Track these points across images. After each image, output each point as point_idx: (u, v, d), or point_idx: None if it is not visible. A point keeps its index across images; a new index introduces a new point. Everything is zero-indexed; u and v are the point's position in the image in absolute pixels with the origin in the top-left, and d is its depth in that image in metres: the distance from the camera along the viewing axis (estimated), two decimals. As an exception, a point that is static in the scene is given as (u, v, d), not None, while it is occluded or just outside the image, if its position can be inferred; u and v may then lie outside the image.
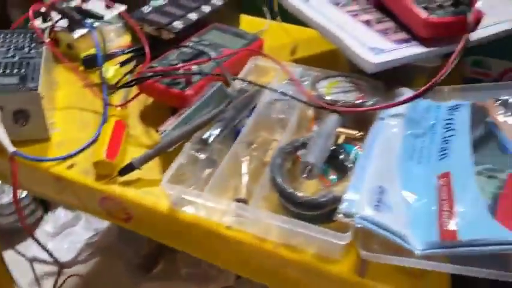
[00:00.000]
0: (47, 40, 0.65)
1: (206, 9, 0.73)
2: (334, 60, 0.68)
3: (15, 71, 0.58)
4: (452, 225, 0.39)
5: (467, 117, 0.51)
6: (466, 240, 0.38)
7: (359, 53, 0.56)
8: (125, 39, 0.75)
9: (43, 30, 0.67)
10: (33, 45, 0.63)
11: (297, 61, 0.74)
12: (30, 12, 0.68)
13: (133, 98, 0.59)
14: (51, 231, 1.27)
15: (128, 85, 0.59)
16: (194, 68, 0.59)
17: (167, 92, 0.57)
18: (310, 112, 0.58)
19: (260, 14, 0.86)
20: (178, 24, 0.68)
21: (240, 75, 0.62)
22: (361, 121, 0.54)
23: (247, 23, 0.83)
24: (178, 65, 0.58)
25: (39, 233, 1.26)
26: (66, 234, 1.27)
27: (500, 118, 0.49)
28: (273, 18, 0.84)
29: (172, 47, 0.65)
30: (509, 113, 0.49)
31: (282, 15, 0.84)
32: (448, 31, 0.56)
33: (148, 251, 1.12)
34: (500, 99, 0.51)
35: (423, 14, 0.56)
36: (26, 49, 0.62)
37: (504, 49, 0.75)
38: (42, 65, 0.59)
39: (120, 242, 1.17)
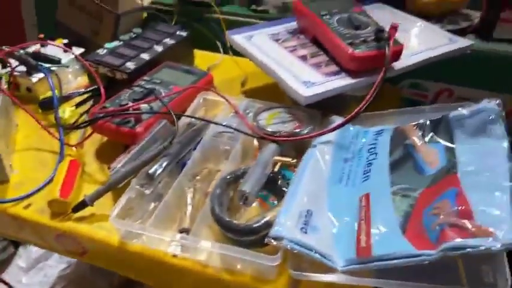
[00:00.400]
0: (5, 86, 0.69)
1: (158, 48, 0.78)
2: (279, 91, 0.73)
3: (-27, 118, 0.61)
4: (367, 242, 0.44)
5: (388, 140, 0.56)
6: (377, 255, 0.42)
7: (292, 87, 0.61)
8: (83, 80, 0.80)
9: (0, 77, 0.71)
10: (-9, 91, 0.67)
11: (247, 93, 0.80)
12: (-11, 60, 0.72)
13: (87, 138, 0.63)
14: (24, 266, 1.28)
15: (80, 126, 0.63)
16: (144, 106, 0.63)
17: (118, 131, 0.61)
18: (255, 142, 0.63)
19: (214, 48, 0.92)
20: (130, 65, 0.73)
21: (189, 110, 0.66)
22: (299, 148, 0.60)
23: (202, 57, 0.89)
24: (128, 105, 0.62)
25: (12, 268, 1.27)
26: (39, 269, 1.27)
27: (417, 141, 0.55)
28: (226, 52, 0.90)
29: (125, 87, 0.69)
30: (426, 136, 0.55)
31: (233, 49, 0.90)
32: (371, 64, 0.63)
33: (120, 281, 1.14)
34: (418, 123, 0.57)
35: (348, 49, 0.62)
36: (-16, 96, 0.66)
37: (438, 72, 0.82)
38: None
39: (92, 273, 1.19)
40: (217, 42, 0.92)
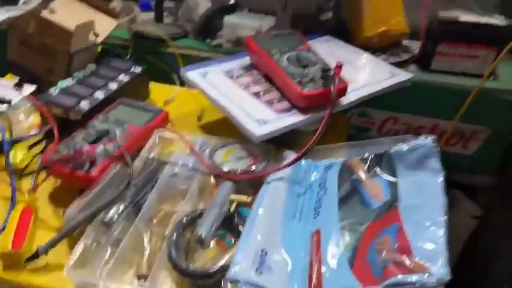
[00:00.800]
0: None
1: (113, 86, 0.78)
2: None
3: None
4: (318, 280, 0.46)
5: (336, 175, 0.59)
6: (327, 292, 0.45)
7: (245, 126, 0.64)
8: (35, 119, 0.78)
9: None
10: None
11: (203, 127, 0.82)
12: None
13: (40, 184, 0.62)
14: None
15: (32, 173, 0.62)
16: (99, 148, 0.63)
17: (73, 175, 0.61)
18: (212, 179, 0.64)
19: (170, 81, 0.93)
20: (84, 105, 0.72)
21: (145, 149, 0.67)
22: (255, 184, 0.62)
23: (158, 90, 0.90)
24: (82, 149, 0.62)
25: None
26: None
27: (363, 175, 0.58)
28: (182, 84, 0.91)
29: (79, 127, 0.69)
30: (371, 170, 0.59)
31: (189, 82, 0.92)
32: (319, 101, 0.66)
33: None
34: (364, 157, 0.61)
35: (298, 88, 0.65)
36: None
37: (383, 101, 0.87)
38: None
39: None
40: (173, 75, 0.93)
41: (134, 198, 0.58)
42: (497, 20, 0.80)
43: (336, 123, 0.74)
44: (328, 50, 0.87)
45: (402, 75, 0.77)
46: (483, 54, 0.81)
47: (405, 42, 0.94)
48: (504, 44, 0.75)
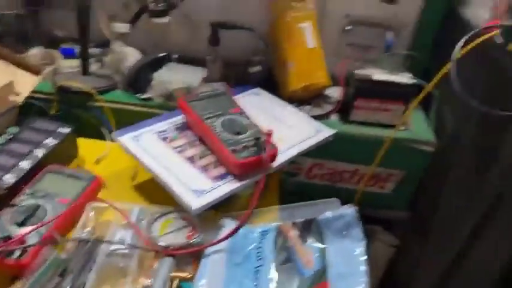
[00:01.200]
0: None
1: (39, 153, 0.75)
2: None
3: None
4: None
5: (272, 243, 0.63)
6: None
7: (182, 198, 0.65)
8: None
9: None
10: None
11: (138, 187, 0.81)
12: None
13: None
14: None
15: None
16: (29, 232, 0.61)
17: (2, 263, 0.58)
18: (151, 253, 0.65)
19: (99, 135, 0.91)
20: (9, 178, 0.69)
21: (78, 226, 0.66)
22: (196, 255, 0.63)
23: (87, 147, 0.87)
24: (12, 235, 0.60)
25: None
26: None
27: (296, 241, 0.63)
28: (113, 139, 0.90)
29: (5, 205, 0.66)
30: (302, 236, 0.63)
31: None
32: (253, 168, 0.70)
33: None
34: (295, 222, 0.65)
35: (232, 157, 0.69)
36: None
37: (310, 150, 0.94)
38: None
39: None
40: (102, 129, 0.91)
41: (73, 285, 0.57)
42: (405, 78, 0.90)
43: (267, 181, 0.79)
44: (257, 103, 0.92)
45: (325, 132, 0.84)
46: (394, 108, 0.91)
47: (328, 91, 1.02)
48: (411, 99, 0.86)
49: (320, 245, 0.61)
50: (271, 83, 0.99)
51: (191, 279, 0.60)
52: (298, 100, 0.96)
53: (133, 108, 0.93)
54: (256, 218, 0.69)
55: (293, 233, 0.64)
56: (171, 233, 0.66)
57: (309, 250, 0.61)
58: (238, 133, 0.73)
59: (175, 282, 0.59)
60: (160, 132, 0.79)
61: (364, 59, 0.98)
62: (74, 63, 1.03)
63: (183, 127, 0.81)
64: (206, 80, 0.97)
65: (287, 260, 0.61)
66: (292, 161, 0.98)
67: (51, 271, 0.57)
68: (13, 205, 0.65)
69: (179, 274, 0.60)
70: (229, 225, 0.66)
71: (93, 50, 1.05)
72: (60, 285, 0.56)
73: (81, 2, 0.90)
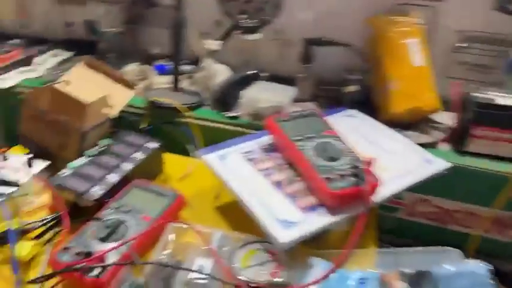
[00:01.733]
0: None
1: (127, 166, 0.74)
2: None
3: None
4: None
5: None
6: None
7: (268, 229, 0.58)
8: (46, 199, 0.74)
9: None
10: None
11: (221, 208, 0.77)
12: None
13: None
14: None
15: (38, 280, 0.57)
16: (110, 250, 0.59)
17: (82, 280, 0.56)
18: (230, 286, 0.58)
19: (185, 152, 0.89)
20: (97, 190, 0.68)
21: (158, 247, 0.62)
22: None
23: (172, 163, 0.86)
24: (92, 251, 0.58)
25: None
26: None
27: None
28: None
29: (91, 219, 0.65)
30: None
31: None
32: (349, 200, 0.61)
33: None
34: (403, 272, 0.55)
35: (326, 186, 0.60)
36: None
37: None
38: None
39: None
40: (188, 147, 0.89)
41: (147, 314, 0.53)
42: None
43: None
44: (353, 126, 0.83)
45: (438, 164, 0.71)
46: (520, 138, 0.76)
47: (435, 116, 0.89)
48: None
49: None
50: (369, 104, 0.90)
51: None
52: (399, 125, 0.85)
53: (220, 126, 0.90)
54: (351, 261, 0.59)
55: (400, 286, 0.54)
56: (254, 267, 0.59)
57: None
58: (333, 159, 0.65)
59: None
60: (246, 152, 0.74)
61: (480, 80, 0.84)
62: (166, 80, 1.04)
63: (271, 149, 0.75)
64: (296, 100, 0.91)
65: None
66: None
67: (128, 295, 0.53)
68: (98, 219, 0.64)
69: (261, 316, 0.53)
70: (319, 265, 0.58)
71: (184, 67, 1.06)
72: (135, 313, 0.52)
73: (175, 21, 0.90)
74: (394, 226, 0.88)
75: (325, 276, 0.53)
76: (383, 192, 0.64)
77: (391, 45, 0.83)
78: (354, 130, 0.81)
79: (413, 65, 0.82)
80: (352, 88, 0.88)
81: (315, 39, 0.87)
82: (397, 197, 0.87)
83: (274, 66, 1.00)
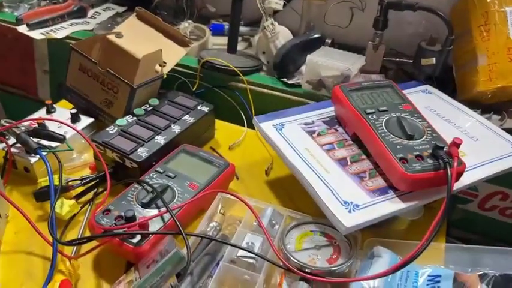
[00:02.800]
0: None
1: (176, 129, 0.69)
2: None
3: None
4: None
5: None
6: None
7: (331, 210, 0.51)
8: (89, 157, 0.71)
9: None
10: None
11: (271, 183, 0.70)
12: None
13: (83, 254, 0.54)
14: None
15: (76, 243, 0.54)
16: (152, 217, 0.54)
17: (121, 247, 0.52)
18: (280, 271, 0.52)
19: (237, 120, 0.83)
20: (142, 152, 0.63)
21: (205, 218, 0.57)
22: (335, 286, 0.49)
23: (223, 130, 0.80)
24: (134, 217, 0.53)
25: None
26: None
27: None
28: (250, 125, 0.80)
29: (135, 180, 0.60)
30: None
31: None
32: (426, 185, 0.52)
33: None
34: (484, 274, 0.46)
35: (401, 168, 0.52)
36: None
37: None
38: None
39: None
40: (242, 114, 0.82)
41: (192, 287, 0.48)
42: None
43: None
44: (427, 103, 0.72)
45: (530, 153, 0.61)
46: None
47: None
48: None
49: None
50: (447, 80, 0.79)
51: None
52: (482, 106, 0.73)
53: (277, 94, 0.82)
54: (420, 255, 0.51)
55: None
56: (309, 250, 0.52)
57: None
58: (410, 137, 0.56)
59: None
60: (306, 124, 0.66)
61: None
62: (221, 41, 0.97)
63: (333, 121, 0.67)
64: (364, 71, 0.81)
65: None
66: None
67: (169, 268, 0.48)
68: (142, 182, 0.59)
69: (316, 308, 0.46)
70: (385, 256, 0.50)
71: (242, 29, 0.98)
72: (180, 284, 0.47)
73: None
74: (463, 219, 0.78)
75: (395, 270, 0.46)
76: (466, 180, 0.55)
77: (485, 13, 0.71)
78: (427, 108, 0.71)
79: (510, 38, 0.69)
80: (429, 61, 0.77)
81: (394, 2, 0.75)
82: (471, 188, 0.77)
83: (341, 32, 0.89)
